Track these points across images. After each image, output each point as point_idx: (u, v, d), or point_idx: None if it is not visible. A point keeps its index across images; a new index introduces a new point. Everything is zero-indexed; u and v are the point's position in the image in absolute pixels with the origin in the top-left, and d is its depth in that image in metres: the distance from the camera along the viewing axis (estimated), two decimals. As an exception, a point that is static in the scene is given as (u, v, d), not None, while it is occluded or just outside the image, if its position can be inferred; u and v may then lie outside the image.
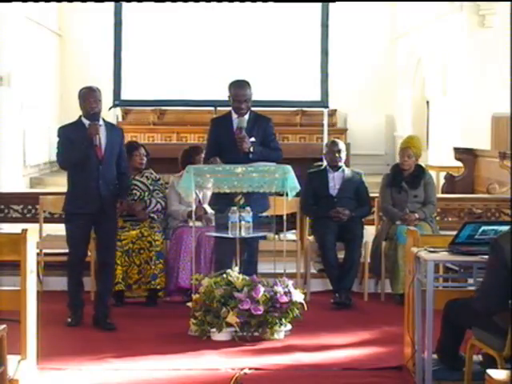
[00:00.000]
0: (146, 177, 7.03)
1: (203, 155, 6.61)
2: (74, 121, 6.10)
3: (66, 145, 5.93)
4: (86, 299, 6.26)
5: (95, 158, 5.89)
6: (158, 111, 15.81)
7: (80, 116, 6.04)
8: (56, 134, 6.05)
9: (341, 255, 6.94)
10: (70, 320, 6.00)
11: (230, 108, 6.30)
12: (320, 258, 6.99)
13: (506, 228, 4.43)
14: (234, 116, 6.20)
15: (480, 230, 4.68)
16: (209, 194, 6.59)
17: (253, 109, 6.33)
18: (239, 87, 6.16)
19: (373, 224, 7.39)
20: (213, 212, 6.59)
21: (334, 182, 7.06)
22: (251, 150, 6.05)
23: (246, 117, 6.18)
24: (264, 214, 6.34)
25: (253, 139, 6.09)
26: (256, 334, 5.68)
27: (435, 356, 4.68)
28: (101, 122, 5.99)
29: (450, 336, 4.58)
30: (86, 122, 5.96)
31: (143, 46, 9.48)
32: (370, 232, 7.22)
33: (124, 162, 6.15)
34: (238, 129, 6.08)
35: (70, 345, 5.56)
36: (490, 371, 3.81)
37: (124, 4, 9.38)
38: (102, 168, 5.92)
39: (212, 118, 6.50)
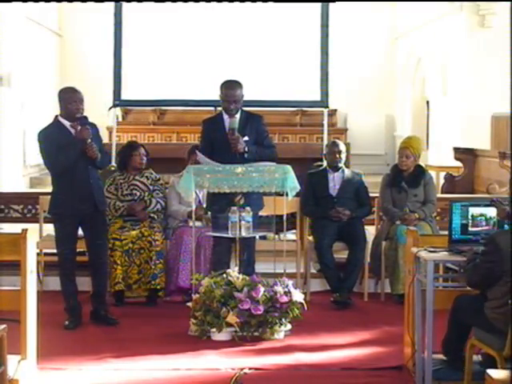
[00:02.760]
0: (146, 177, 7.03)
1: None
2: (51, 123, 6.01)
3: (53, 149, 5.83)
4: (85, 299, 6.27)
5: (85, 158, 5.86)
6: (158, 111, 15.80)
7: (56, 116, 5.98)
8: (38, 139, 5.93)
9: (342, 255, 6.95)
10: (67, 323, 5.99)
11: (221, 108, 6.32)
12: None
13: (491, 210, 4.75)
14: (226, 116, 6.20)
15: (469, 215, 4.79)
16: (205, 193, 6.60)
17: (247, 108, 6.33)
18: (229, 88, 6.15)
19: (373, 224, 7.40)
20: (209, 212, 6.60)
21: (334, 182, 7.07)
22: (246, 149, 6.05)
23: (238, 116, 6.17)
24: (260, 213, 6.34)
25: (246, 138, 6.09)
26: (256, 334, 5.68)
27: (435, 356, 4.68)
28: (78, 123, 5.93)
29: (456, 332, 4.58)
30: (66, 122, 5.91)
31: (143, 45, 9.48)
32: (370, 232, 7.22)
33: (103, 154, 6.10)
34: (231, 130, 6.07)
35: (70, 345, 5.57)
36: (490, 371, 3.82)
37: (124, 4, 9.38)
38: (91, 167, 5.94)
39: (203, 119, 6.48)
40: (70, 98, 5.89)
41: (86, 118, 5.92)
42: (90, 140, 5.83)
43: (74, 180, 5.90)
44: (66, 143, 5.82)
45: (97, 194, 6.02)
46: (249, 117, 6.27)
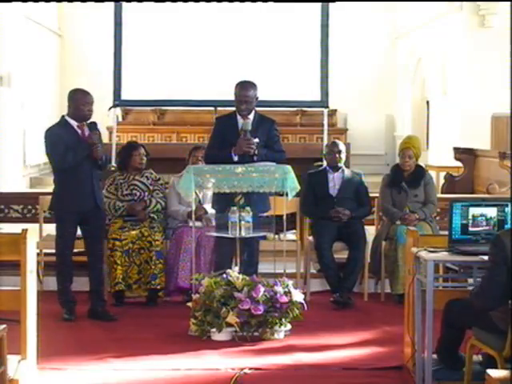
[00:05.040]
0: (146, 177, 7.04)
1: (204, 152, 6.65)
2: (58, 122, 6.20)
3: (61, 147, 6.00)
4: (85, 299, 6.32)
5: (90, 158, 6.07)
6: (158, 111, 15.81)
7: (63, 116, 6.16)
8: (45, 136, 6.12)
9: (342, 255, 6.95)
10: (67, 316, 6.13)
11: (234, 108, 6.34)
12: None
13: (491, 210, 4.70)
14: (239, 116, 6.21)
15: (470, 216, 4.75)
16: (209, 193, 6.61)
17: (260, 109, 6.35)
18: (241, 88, 6.18)
19: (373, 224, 7.39)
20: (213, 212, 6.60)
21: (334, 182, 7.07)
22: (256, 152, 6.05)
23: (251, 117, 6.17)
24: (264, 214, 6.34)
25: (257, 140, 6.09)
26: (256, 334, 5.68)
27: (435, 356, 4.68)
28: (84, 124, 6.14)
29: (449, 336, 4.57)
30: (73, 122, 6.10)
31: (143, 46, 9.48)
32: (370, 232, 7.22)
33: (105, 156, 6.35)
34: (243, 132, 6.07)
35: (70, 345, 5.57)
36: (490, 371, 3.81)
37: (124, 4, 9.38)
38: (93, 167, 6.14)
39: (217, 117, 6.53)
40: (82, 100, 6.07)
41: (95, 123, 6.14)
42: (99, 144, 6.04)
43: (78, 178, 6.07)
44: (75, 144, 6.01)
45: (97, 192, 6.23)
46: (262, 119, 6.27)
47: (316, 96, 9.42)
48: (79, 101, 6.06)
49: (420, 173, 7.10)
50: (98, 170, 6.24)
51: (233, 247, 6.14)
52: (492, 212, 4.76)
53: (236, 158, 6.03)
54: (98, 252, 6.33)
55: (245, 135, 6.05)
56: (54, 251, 6.97)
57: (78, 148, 6.00)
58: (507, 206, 4.76)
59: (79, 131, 6.08)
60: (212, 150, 6.28)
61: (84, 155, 6.02)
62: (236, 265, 6.03)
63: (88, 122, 6.10)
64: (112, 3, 9.52)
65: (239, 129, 6.13)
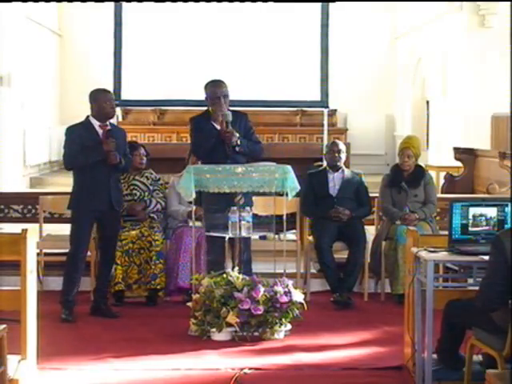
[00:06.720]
0: (146, 177, 7.04)
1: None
2: (81, 121, 6.25)
3: (75, 146, 6.07)
4: (85, 299, 6.33)
5: (106, 161, 6.09)
6: (158, 111, 15.82)
7: (88, 116, 6.21)
8: (65, 134, 6.19)
9: (342, 255, 6.95)
10: (65, 316, 6.13)
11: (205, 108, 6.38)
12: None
13: (491, 210, 4.71)
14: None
15: (470, 216, 4.76)
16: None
17: (248, 108, 6.38)
18: (216, 85, 6.26)
19: (373, 224, 7.39)
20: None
21: (334, 182, 7.07)
22: (238, 142, 6.13)
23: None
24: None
25: (237, 135, 6.16)
26: (256, 334, 5.68)
27: (435, 356, 4.68)
28: (108, 124, 6.20)
29: (450, 336, 4.57)
30: (96, 122, 6.16)
31: (143, 46, 9.50)
32: (370, 232, 7.22)
33: (127, 159, 6.34)
34: (225, 123, 6.13)
35: (70, 345, 5.56)
36: (490, 371, 3.81)
37: (124, 4, 9.40)
38: (111, 169, 6.15)
39: (191, 118, 6.50)
40: (104, 98, 6.15)
41: (111, 131, 6.16)
42: (114, 151, 6.06)
43: (94, 179, 6.11)
44: (93, 145, 6.06)
45: (114, 194, 6.23)
46: (236, 115, 6.34)
47: (316, 96, 9.43)
48: (101, 99, 6.13)
49: (420, 173, 7.10)
50: (116, 172, 6.25)
51: (224, 246, 6.16)
52: (492, 212, 4.76)
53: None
54: (110, 253, 6.35)
55: (227, 126, 6.11)
56: (55, 251, 7.02)
57: (92, 151, 6.04)
58: (507, 205, 4.76)
59: (100, 131, 6.12)
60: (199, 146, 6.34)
61: (97, 159, 6.04)
62: (235, 265, 6.03)
63: (108, 128, 6.14)
64: (112, 3, 9.53)
65: (217, 126, 6.19)
